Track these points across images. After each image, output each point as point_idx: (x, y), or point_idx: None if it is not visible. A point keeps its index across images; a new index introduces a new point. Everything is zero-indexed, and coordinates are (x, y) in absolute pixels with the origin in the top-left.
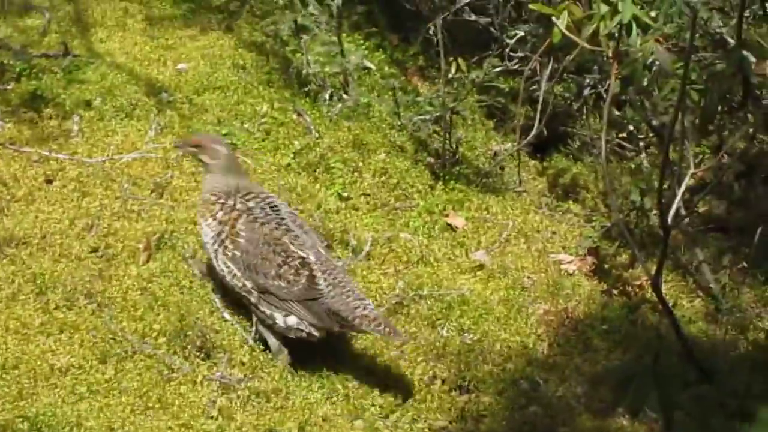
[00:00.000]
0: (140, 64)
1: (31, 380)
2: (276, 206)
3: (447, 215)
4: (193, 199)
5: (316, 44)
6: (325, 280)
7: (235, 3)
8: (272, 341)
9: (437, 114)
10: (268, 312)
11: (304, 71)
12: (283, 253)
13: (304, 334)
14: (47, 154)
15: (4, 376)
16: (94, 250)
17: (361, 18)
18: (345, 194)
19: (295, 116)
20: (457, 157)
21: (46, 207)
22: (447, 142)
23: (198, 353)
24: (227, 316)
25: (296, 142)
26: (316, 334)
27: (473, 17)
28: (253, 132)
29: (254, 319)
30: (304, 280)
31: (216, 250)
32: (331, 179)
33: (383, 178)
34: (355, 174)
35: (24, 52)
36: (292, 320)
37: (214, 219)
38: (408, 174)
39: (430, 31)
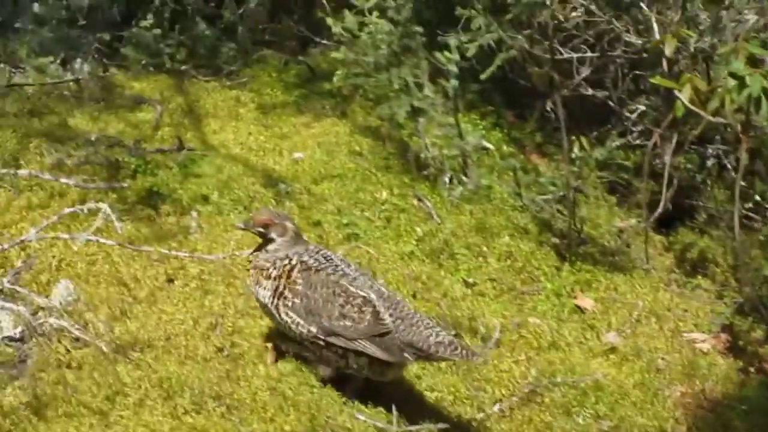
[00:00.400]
0: (255, 155)
1: None
2: (328, 256)
3: (575, 297)
4: None
5: (432, 126)
6: (390, 315)
7: (348, 88)
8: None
9: (560, 193)
10: (340, 353)
11: (422, 155)
12: (343, 294)
13: (378, 371)
14: (167, 252)
15: None
16: (220, 350)
17: (476, 97)
18: (471, 280)
19: (415, 201)
20: (582, 236)
21: (169, 307)
22: (572, 221)
23: None
24: (359, 415)
25: (418, 229)
26: (387, 372)
27: (590, 92)
28: (374, 220)
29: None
30: (368, 316)
31: (276, 305)
32: (456, 265)
33: (508, 262)
34: (480, 259)
35: (138, 148)
36: (361, 362)
37: (268, 279)
38: (533, 256)
39: (547, 108)
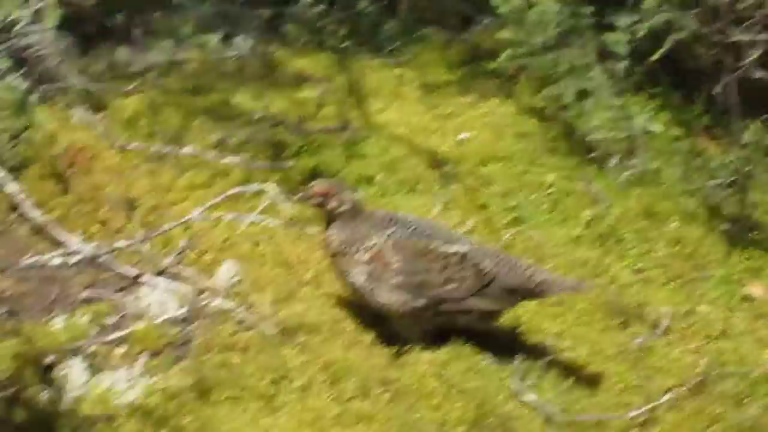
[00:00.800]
0: (420, 135)
1: None
2: (408, 220)
3: (745, 284)
4: None
5: (599, 108)
6: (488, 262)
7: (512, 67)
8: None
9: (731, 178)
10: (446, 319)
11: (588, 137)
12: (440, 258)
13: (485, 322)
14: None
15: None
16: (391, 334)
17: (643, 78)
18: (638, 266)
19: (581, 185)
20: (753, 221)
21: (335, 290)
22: (742, 207)
23: None
24: (526, 399)
25: (585, 213)
26: (496, 318)
27: (758, 75)
28: (541, 203)
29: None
30: (470, 272)
31: (373, 289)
32: (623, 251)
33: (677, 248)
34: (648, 244)
35: (301, 127)
36: (472, 317)
37: (360, 263)
38: (702, 242)
39: (715, 90)
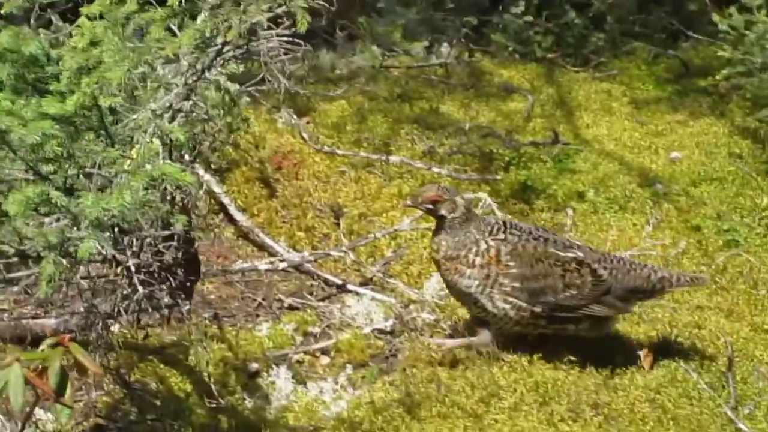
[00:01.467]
0: (630, 152)
1: None
2: (516, 225)
3: None
4: (696, 300)
5: None
6: (604, 268)
7: (725, 86)
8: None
9: None
10: (560, 327)
11: None
12: (558, 263)
13: (597, 329)
14: None
15: None
16: (596, 356)
17: None
18: None
19: None
20: None
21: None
22: None
23: None
24: (742, 427)
25: None
26: (607, 327)
27: None
28: (755, 227)
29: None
30: (589, 278)
31: (489, 294)
32: None
33: None
34: None
35: (511, 139)
36: (583, 326)
37: (473, 267)
38: None
39: None
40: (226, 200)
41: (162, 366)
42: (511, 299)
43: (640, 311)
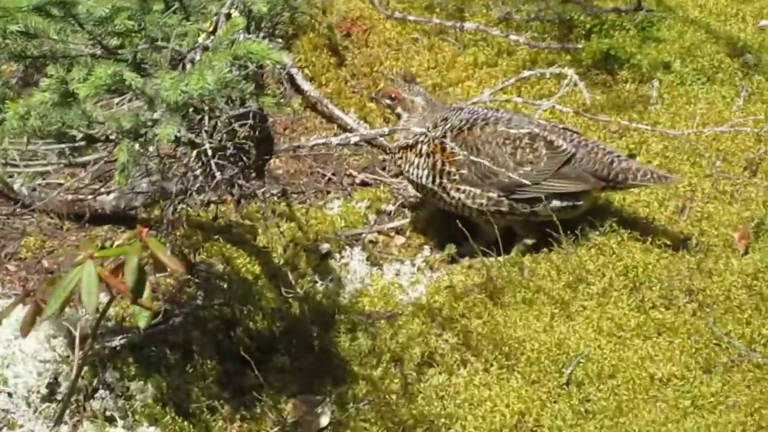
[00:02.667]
0: (717, 19)
1: (630, 391)
2: (472, 110)
3: None
4: None
5: None
6: (564, 140)
7: None
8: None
9: None
10: (527, 211)
11: None
12: (508, 141)
13: (570, 208)
14: (627, 123)
15: (601, 386)
16: (687, 238)
17: None
18: None
19: None
20: None
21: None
22: None
23: None
24: None
25: None
26: (580, 202)
27: None
28: None
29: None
30: (544, 150)
31: (441, 183)
32: None
33: None
34: None
35: (593, 6)
36: (555, 203)
37: (420, 156)
38: None
39: None
40: (293, 69)
41: (229, 246)
42: (463, 187)
43: (732, 190)
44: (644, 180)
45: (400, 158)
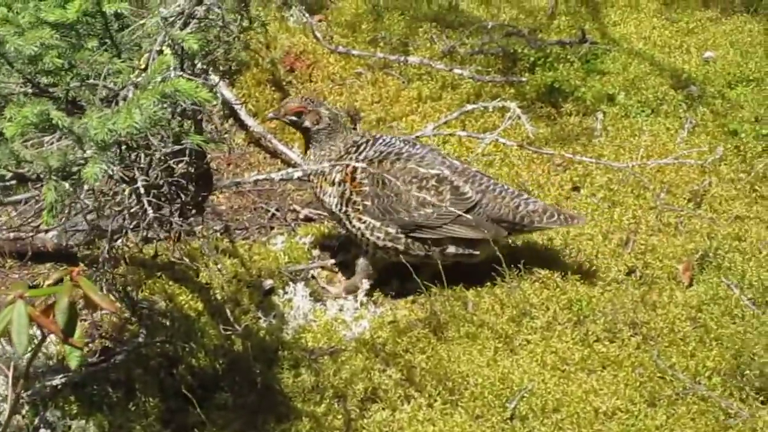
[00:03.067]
0: (661, 52)
1: (575, 425)
2: (388, 141)
3: None
4: (735, 210)
5: None
6: (470, 187)
7: None
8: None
9: None
10: (422, 253)
11: None
12: (415, 179)
13: (466, 256)
14: (571, 156)
15: (545, 421)
16: (631, 271)
17: None
18: None
19: None
20: None
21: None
22: None
23: (757, 395)
24: None
25: None
26: (477, 252)
27: None
28: None
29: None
30: (448, 195)
31: (346, 212)
32: None
33: None
34: None
35: (537, 40)
36: (450, 250)
37: (332, 185)
38: None
39: None
40: (236, 104)
41: (171, 283)
42: (364, 218)
43: (676, 222)
44: (551, 222)
45: (316, 185)
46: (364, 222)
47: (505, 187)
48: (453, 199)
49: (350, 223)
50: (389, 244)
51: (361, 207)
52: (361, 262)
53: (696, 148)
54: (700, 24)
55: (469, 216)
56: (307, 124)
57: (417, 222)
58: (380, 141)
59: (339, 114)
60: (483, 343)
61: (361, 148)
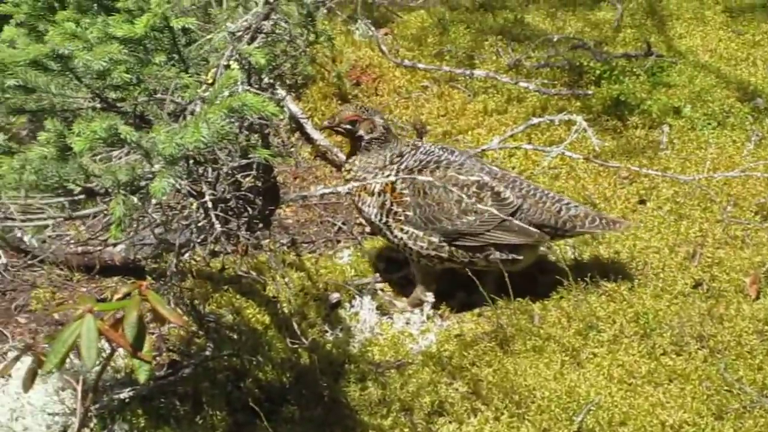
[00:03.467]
0: (727, 64)
1: None
2: (428, 150)
3: None
4: None
5: None
6: (511, 192)
7: None
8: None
9: None
10: (466, 260)
11: None
12: (455, 187)
13: (510, 261)
14: (637, 169)
15: None
16: (698, 284)
17: None
18: None
19: None
20: None
21: (643, 233)
22: None
23: None
24: None
25: None
26: (521, 257)
27: None
28: None
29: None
30: (490, 201)
31: (386, 223)
32: None
33: None
34: None
35: (602, 52)
36: (494, 256)
37: (372, 195)
38: None
39: None
40: (302, 118)
41: (238, 297)
42: (406, 228)
43: (742, 235)
44: (593, 226)
45: (355, 194)
46: (407, 232)
47: (546, 191)
48: (495, 205)
49: (392, 233)
50: (433, 253)
51: (402, 217)
52: (416, 273)
53: (762, 160)
54: (767, 36)
55: (510, 222)
56: (361, 132)
57: (460, 230)
58: (420, 150)
59: (390, 125)
60: (549, 356)
61: (405, 157)
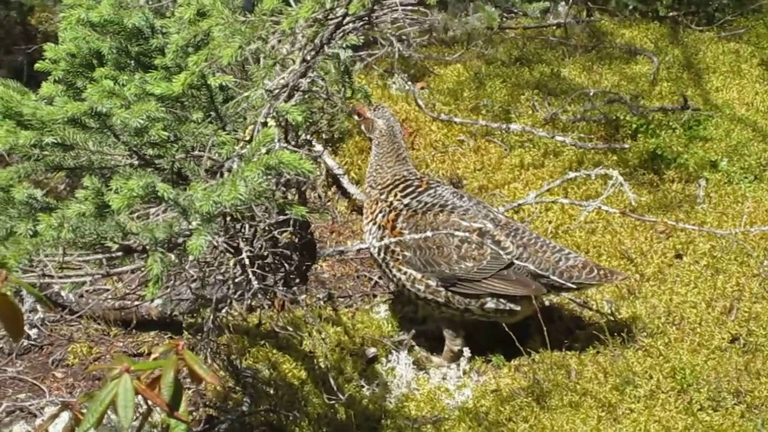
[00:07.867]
0: (764, 117)
1: None
2: (437, 194)
3: None
4: None
5: None
6: (512, 242)
7: None
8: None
9: None
10: (462, 307)
11: None
12: (457, 232)
13: (506, 312)
14: (674, 223)
15: None
16: (735, 338)
17: None
18: None
19: None
20: None
21: (680, 287)
22: None
23: None
24: None
25: None
26: (518, 308)
27: None
28: None
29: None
30: (489, 249)
31: (385, 260)
32: None
33: None
34: None
35: (639, 106)
36: (490, 305)
37: (375, 223)
38: None
39: None
40: (339, 172)
41: (275, 352)
42: (404, 269)
43: None
44: (590, 278)
45: (366, 207)
46: (405, 273)
47: (547, 241)
48: (494, 253)
49: (390, 272)
50: (429, 297)
51: (401, 257)
52: (439, 324)
53: None
54: None
55: (508, 272)
56: (363, 127)
57: (457, 275)
58: (429, 192)
59: (396, 128)
60: (586, 411)
61: (408, 190)
